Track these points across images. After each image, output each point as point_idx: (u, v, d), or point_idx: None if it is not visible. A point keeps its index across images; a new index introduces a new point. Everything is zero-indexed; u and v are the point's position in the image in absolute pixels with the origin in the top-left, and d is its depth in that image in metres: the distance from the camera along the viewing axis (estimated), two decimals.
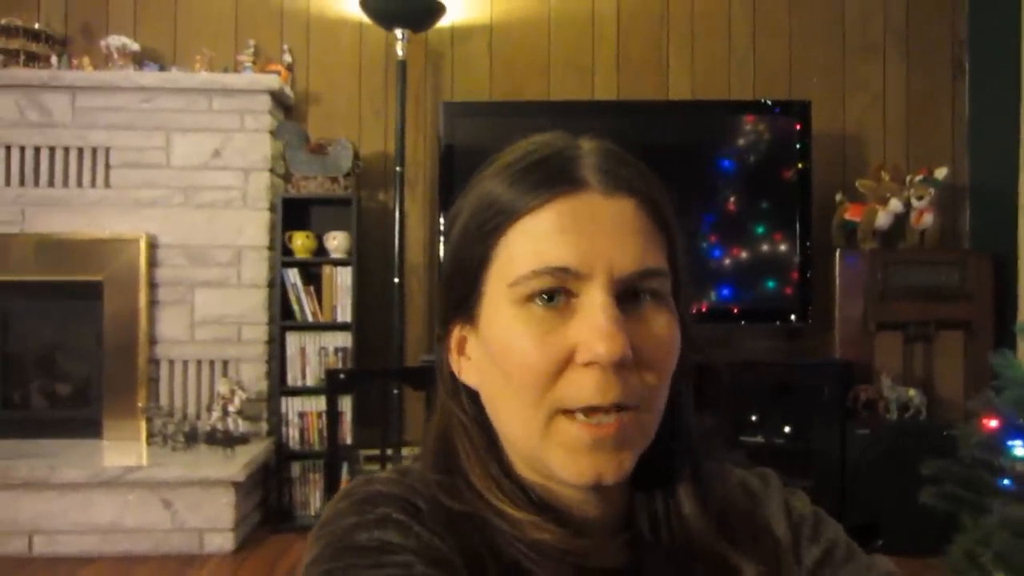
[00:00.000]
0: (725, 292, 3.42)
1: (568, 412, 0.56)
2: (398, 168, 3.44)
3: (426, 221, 3.64)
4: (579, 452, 0.56)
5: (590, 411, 0.55)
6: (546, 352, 0.55)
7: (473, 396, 0.63)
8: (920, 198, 3.38)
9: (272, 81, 3.41)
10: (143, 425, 3.37)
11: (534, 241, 0.57)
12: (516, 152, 0.61)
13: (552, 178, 0.57)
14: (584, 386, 0.55)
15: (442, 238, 3.28)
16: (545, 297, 0.56)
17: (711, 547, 0.60)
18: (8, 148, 3.38)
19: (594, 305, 0.55)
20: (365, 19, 3.46)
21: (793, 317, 3.40)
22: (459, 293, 0.62)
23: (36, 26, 3.41)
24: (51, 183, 3.39)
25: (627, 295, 0.57)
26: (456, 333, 0.63)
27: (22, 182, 3.38)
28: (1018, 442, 2.29)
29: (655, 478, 0.62)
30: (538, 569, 0.57)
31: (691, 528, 0.60)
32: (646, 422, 0.57)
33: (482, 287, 0.60)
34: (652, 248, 0.58)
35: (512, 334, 0.57)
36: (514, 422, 0.59)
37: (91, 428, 3.40)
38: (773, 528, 0.64)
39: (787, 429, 3.36)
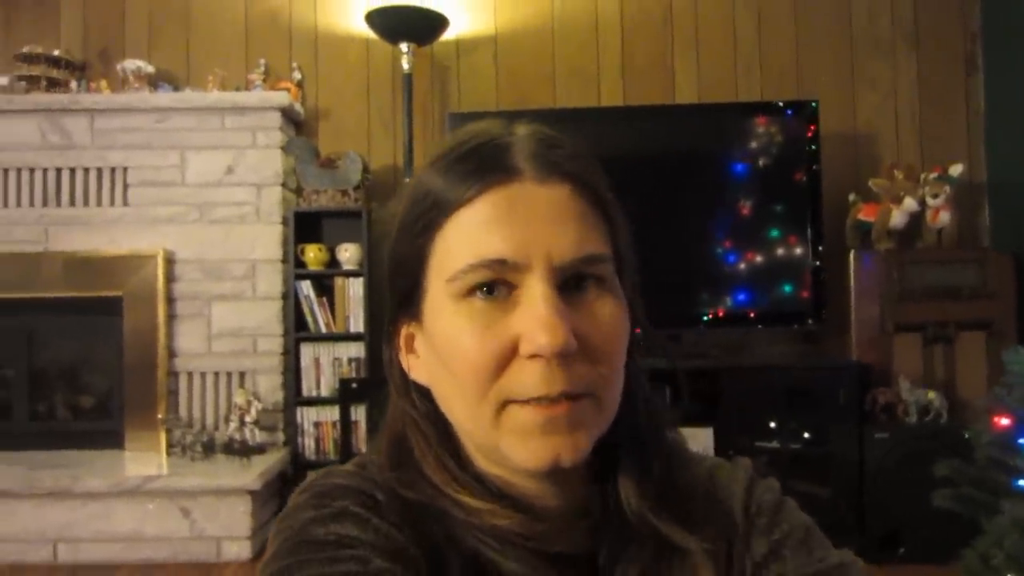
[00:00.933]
0: (740, 297, 3.38)
1: (517, 401, 0.55)
2: (407, 180, 3.47)
3: None
4: (533, 436, 0.55)
5: (540, 399, 0.54)
6: (489, 346, 0.54)
7: (425, 392, 0.62)
8: (935, 196, 3.30)
9: (282, 98, 3.48)
10: (163, 436, 3.45)
11: (469, 234, 0.56)
12: (451, 142, 0.60)
13: (484, 167, 0.56)
14: (529, 378, 0.54)
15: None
16: (485, 290, 0.55)
17: (658, 528, 0.59)
18: (32, 171, 3.51)
19: (534, 296, 0.54)
20: (371, 35, 3.52)
21: (809, 320, 3.34)
22: (402, 290, 0.61)
23: (56, 52, 3.54)
24: (72, 203, 3.51)
25: (569, 283, 0.56)
26: (404, 331, 0.63)
27: (45, 203, 3.50)
28: None
29: (608, 463, 0.62)
30: (499, 557, 0.57)
31: (636, 510, 0.60)
32: (601, 407, 0.56)
33: (424, 283, 0.59)
34: (591, 233, 0.57)
35: (454, 330, 0.56)
36: (465, 416, 0.58)
37: (113, 439, 3.50)
38: (731, 513, 0.63)
39: (804, 434, 3.29)
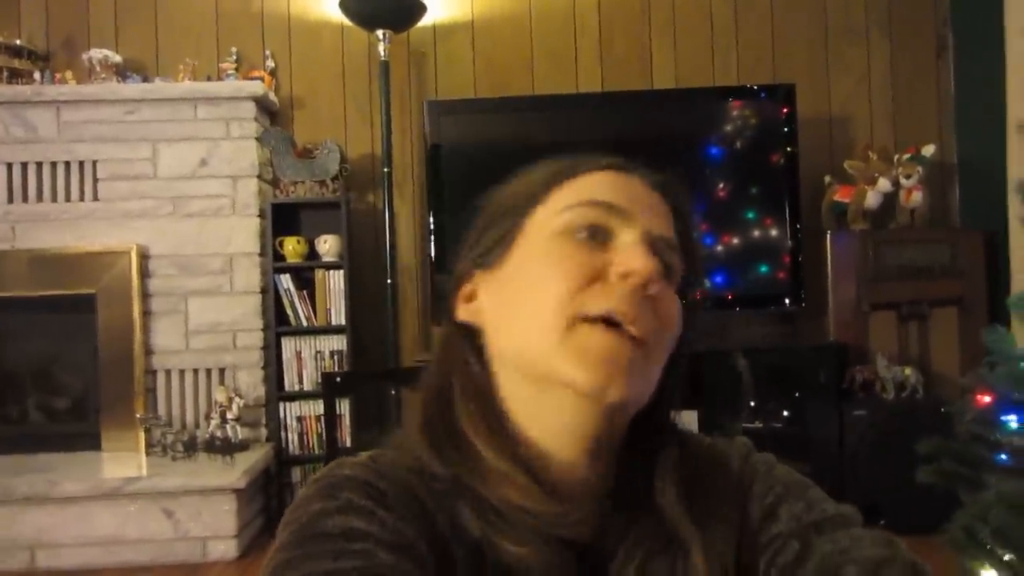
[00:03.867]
0: (718, 279, 3.42)
1: (589, 320, 0.57)
2: (385, 169, 3.44)
3: (416, 221, 3.64)
4: (595, 358, 0.57)
5: (613, 315, 0.57)
6: (577, 267, 0.59)
7: (469, 333, 0.65)
8: (908, 177, 3.38)
9: (256, 87, 3.41)
10: (141, 436, 3.38)
11: (584, 188, 0.63)
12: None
13: (608, 159, 0.65)
14: (610, 294, 0.58)
15: (432, 224, 3.28)
16: (584, 234, 0.60)
17: (673, 520, 0.61)
18: None
19: (631, 240, 0.60)
20: (346, 21, 3.46)
21: (787, 301, 3.40)
22: (490, 241, 0.65)
23: (17, 42, 3.41)
24: (40, 198, 3.40)
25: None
26: (467, 287, 0.66)
27: (10, 199, 3.39)
28: (1013, 416, 2.29)
29: (639, 454, 0.63)
30: (504, 539, 0.57)
31: (668, 499, 0.61)
32: (650, 363, 0.59)
33: (520, 231, 0.63)
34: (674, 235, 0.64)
35: (549, 253, 0.61)
36: (531, 332, 0.59)
37: (90, 441, 3.41)
38: (730, 490, 0.65)
39: (784, 413, 3.36)
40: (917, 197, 3.40)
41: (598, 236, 0.60)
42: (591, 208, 0.61)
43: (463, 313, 0.65)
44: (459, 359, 0.65)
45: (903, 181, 3.39)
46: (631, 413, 0.61)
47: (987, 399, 2.38)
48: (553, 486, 0.60)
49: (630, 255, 0.58)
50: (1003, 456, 2.31)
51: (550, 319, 0.58)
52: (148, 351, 3.43)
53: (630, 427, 0.63)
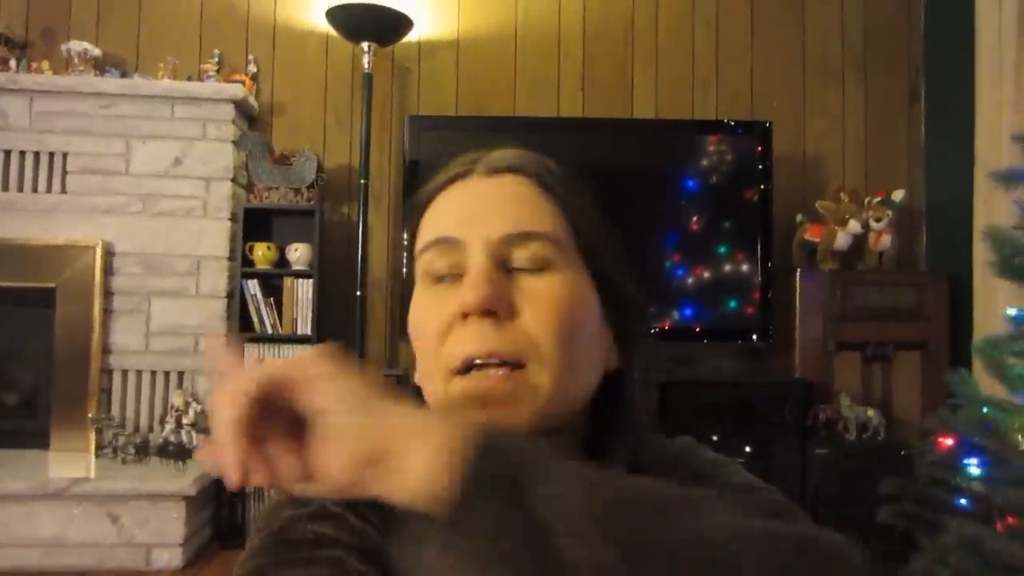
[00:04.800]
0: (687, 311, 3.43)
1: (459, 372, 0.58)
2: (362, 181, 3.43)
3: (389, 235, 3.62)
4: (475, 404, 0.57)
5: (477, 368, 0.57)
6: (434, 317, 0.60)
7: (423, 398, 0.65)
8: (878, 220, 3.43)
9: (236, 90, 3.38)
10: (92, 437, 3.28)
11: (429, 224, 0.64)
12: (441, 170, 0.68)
13: (452, 171, 0.65)
14: (462, 339, 0.58)
15: (406, 239, 3.26)
16: (441, 276, 0.61)
17: None
18: None
19: (472, 266, 0.60)
20: (332, 32, 3.46)
21: (754, 336, 3.41)
22: (409, 288, 0.67)
23: None
24: (5, 188, 3.32)
25: (514, 262, 0.60)
26: None
27: None
28: (974, 461, 2.30)
29: (594, 452, 0.63)
30: None
31: None
32: (539, 382, 0.57)
33: (413, 276, 0.65)
34: (534, 215, 0.62)
35: (416, 307, 0.63)
36: (430, 394, 0.61)
37: (38, 439, 3.30)
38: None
39: (747, 448, 3.36)
40: (886, 240, 3.45)
41: (449, 278, 0.61)
42: (435, 250, 0.62)
43: (416, 377, 0.66)
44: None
45: (872, 224, 3.44)
46: (570, 408, 0.61)
47: (949, 442, 2.40)
48: None
49: (463, 291, 0.58)
50: (963, 500, 2.33)
51: (434, 381, 0.60)
52: (106, 350, 3.34)
53: (593, 420, 0.64)
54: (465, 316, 0.58)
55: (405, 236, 0.68)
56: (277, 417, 0.46)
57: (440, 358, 0.59)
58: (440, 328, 0.59)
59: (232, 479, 0.45)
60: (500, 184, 0.63)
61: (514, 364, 0.57)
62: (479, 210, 0.62)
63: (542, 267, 0.61)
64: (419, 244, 0.64)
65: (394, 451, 0.44)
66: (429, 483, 0.43)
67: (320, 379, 0.46)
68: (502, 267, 0.60)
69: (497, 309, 0.57)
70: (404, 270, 0.68)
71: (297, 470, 0.45)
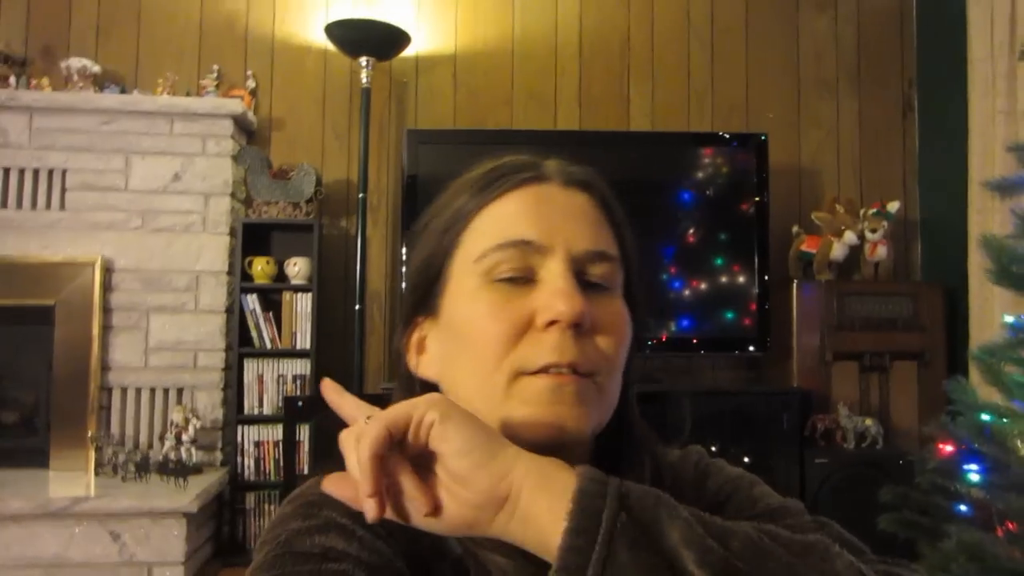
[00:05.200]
0: (685, 322, 3.44)
1: (528, 373, 0.58)
2: (361, 195, 3.43)
3: (388, 249, 3.63)
4: (541, 404, 0.57)
5: (549, 367, 0.58)
6: (506, 317, 0.59)
7: (431, 389, 0.63)
8: (874, 231, 3.46)
9: (235, 105, 3.39)
10: (92, 455, 3.26)
11: (498, 221, 0.62)
12: (483, 167, 0.67)
13: (517, 172, 0.64)
14: (543, 346, 0.58)
15: (404, 253, 3.27)
16: (507, 278, 0.60)
17: None
18: None
19: (554, 274, 0.59)
20: (330, 47, 3.48)
21: (752, 347, 3.43)
22: (423, 289, 0.65)
23: None
24: (4, 205, 3.31)
25: (581, 280, 0.61)
26: (416, 335, 0.66)
27: None
28: (974, 467, 2.32)
29: (609, 468, 0.64)
30: (487, 552, 0.57)
31: None
32: (604, 389, 0.60)
33: (447, 273, 0.63)
34: (605, 236, 0.64)
35: (476, 306, 0.60)
36: (476, 392, 0.60)
37: (37, 458, 3.27)
38: (698, 502, 0.66)
39: (746, 459, 3.37)
40: (881, 251, 3.48)
41: (519, 280, 0.60)
42: (507, 251, 0.60)
43: (419, 367, 0.66)
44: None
45: (868, 235, 3.47)
46: (593, 434, 0.62)
47: (948, 449, 2.42)
48: None
49: (554, 298, 0.58)
50: (963, 507, 2.35)
51: (491, 379, 0.59)
52: (105, 367, 3.33)
53: (599, 441, 0.65)
54: (550, 323, 0.58)
55: (443, 221, 0.65)
56: (402, 456, 0.50)
57: (508, 360, 0.58)
58: (511, 330, 0.59)
59: (370, 513, 0.48)
60: (576, 198, 0.64)
61: (584, 374, 0.58)
62: (560, 220, 0.62)
63: (609, 287, 0.63)
64: (482, 243, 0.62)
65: (516, 496, 0.47)
66: (553, 531, 0.46)
67: (442, 421, 0.49)
68: (577, 279, 0.60)
69: (583, 323, 0.58)
70: (429, 257, 0.65)
71: (424, 507, 0.49)
